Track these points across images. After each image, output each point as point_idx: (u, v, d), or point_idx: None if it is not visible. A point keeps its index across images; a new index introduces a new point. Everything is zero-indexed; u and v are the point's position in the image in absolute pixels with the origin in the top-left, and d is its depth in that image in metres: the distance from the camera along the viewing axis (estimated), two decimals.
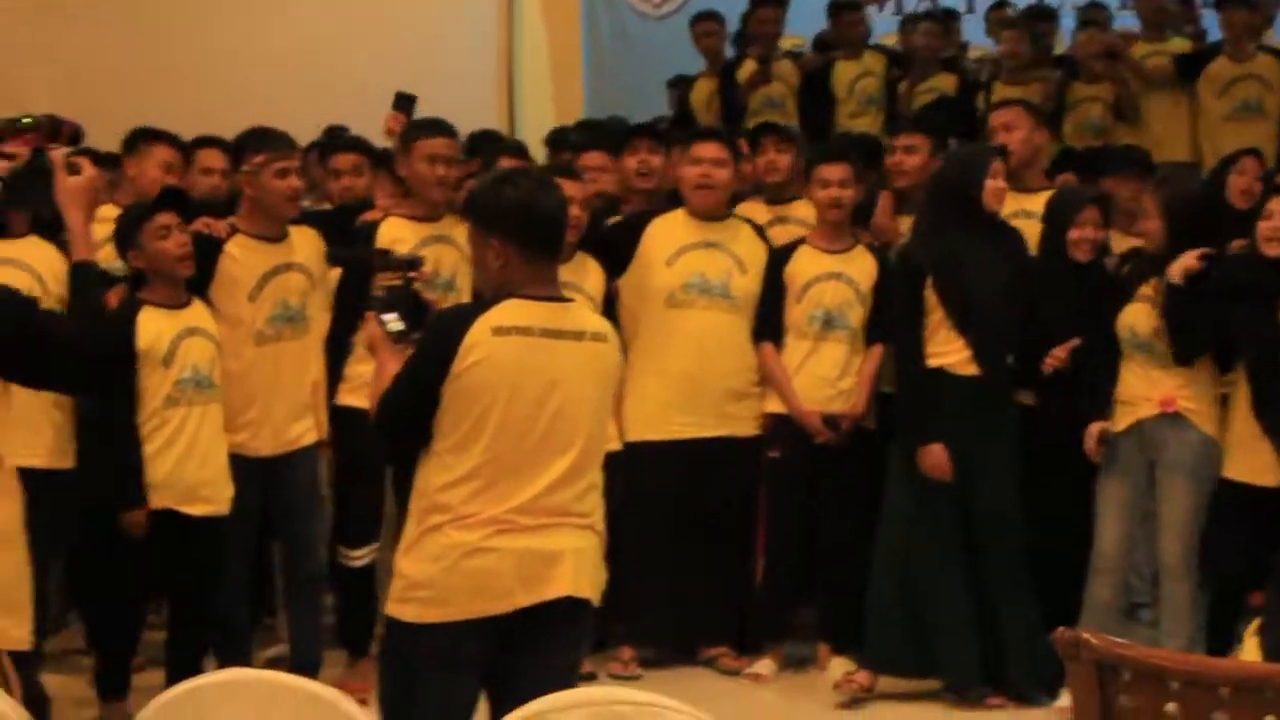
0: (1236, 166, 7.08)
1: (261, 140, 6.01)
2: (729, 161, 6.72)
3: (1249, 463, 5.91)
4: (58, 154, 3.81)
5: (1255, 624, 3.13)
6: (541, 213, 3.98)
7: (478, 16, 11.91)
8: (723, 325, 6.59)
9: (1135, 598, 6.87)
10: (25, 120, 3.81)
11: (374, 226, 6.16)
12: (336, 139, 7.76)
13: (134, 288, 5.80)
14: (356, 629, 6.42)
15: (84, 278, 3.87)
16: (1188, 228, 5.94)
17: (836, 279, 6.57)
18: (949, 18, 10.41)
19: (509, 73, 12.10)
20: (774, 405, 6.58)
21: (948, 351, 6.09)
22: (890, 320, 6.39)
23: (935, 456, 6.02)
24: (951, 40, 10.06)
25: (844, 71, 9.64)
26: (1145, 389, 6.00)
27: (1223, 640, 6.05)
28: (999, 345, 6.15)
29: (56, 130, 3.87)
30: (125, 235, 5.72)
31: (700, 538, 6.59)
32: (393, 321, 4.03)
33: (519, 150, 7.33)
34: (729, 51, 10.02)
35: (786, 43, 10.20)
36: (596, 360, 4.05)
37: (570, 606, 3.96)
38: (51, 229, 6.00)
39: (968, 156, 6.47)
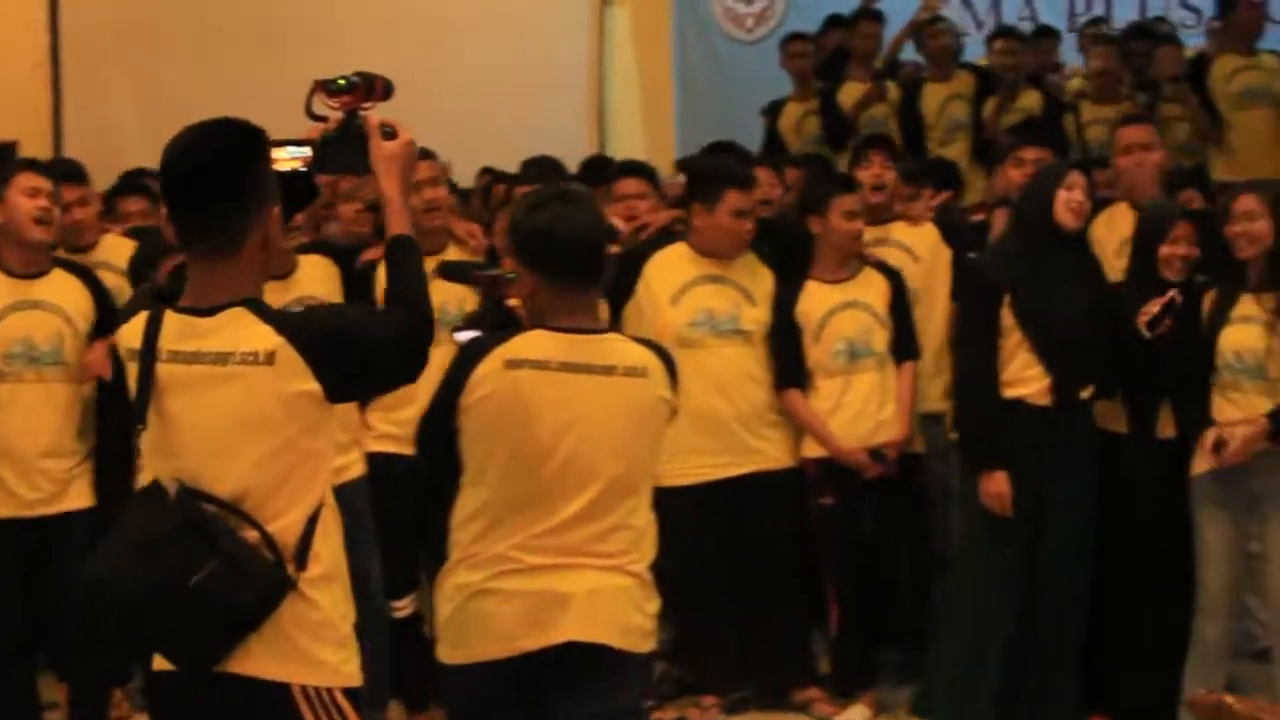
0: None
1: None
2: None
3: None
4: (373, 117, 3.53)
5: None
6: (562, 239, 3.75)
7: (568, 43, 11.82)
8: (739, 360, 6.32)
9: (1258, 643, 6.50)
10: (340, 81, 3.53)
11: (375, 265, 5.91)
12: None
13: None
14: (410, 679, 6.21)
15: (401, 251, 3.47)
16: None
17: (852, 307, 6.33)
18: (1046, 35, 10.17)
19: (600, 100, 11.97)
20: (813, 450, 6.33)
21: (1025, 379, 5.84)
22: (961, 339, 6.15)
23: (997, 485, 5.77)
24: (1048, 58, 9.82)
25: (933, 94, 9.42)
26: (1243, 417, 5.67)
27: None
28: (1080, 372, 5.85)
29: (371, 89, 3.57)
30: None
31: (754, 576, 6.37)
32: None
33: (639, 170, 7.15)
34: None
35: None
36: (628, 395, 3.85)
37: (593, 652, 3.79)
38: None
39: (1044, 170, 6.20)
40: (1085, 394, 5.86)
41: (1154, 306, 5.68)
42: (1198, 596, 5.82)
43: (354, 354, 3.29)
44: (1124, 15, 10.92)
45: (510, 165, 8.04)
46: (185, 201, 3.31)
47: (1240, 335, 5.69)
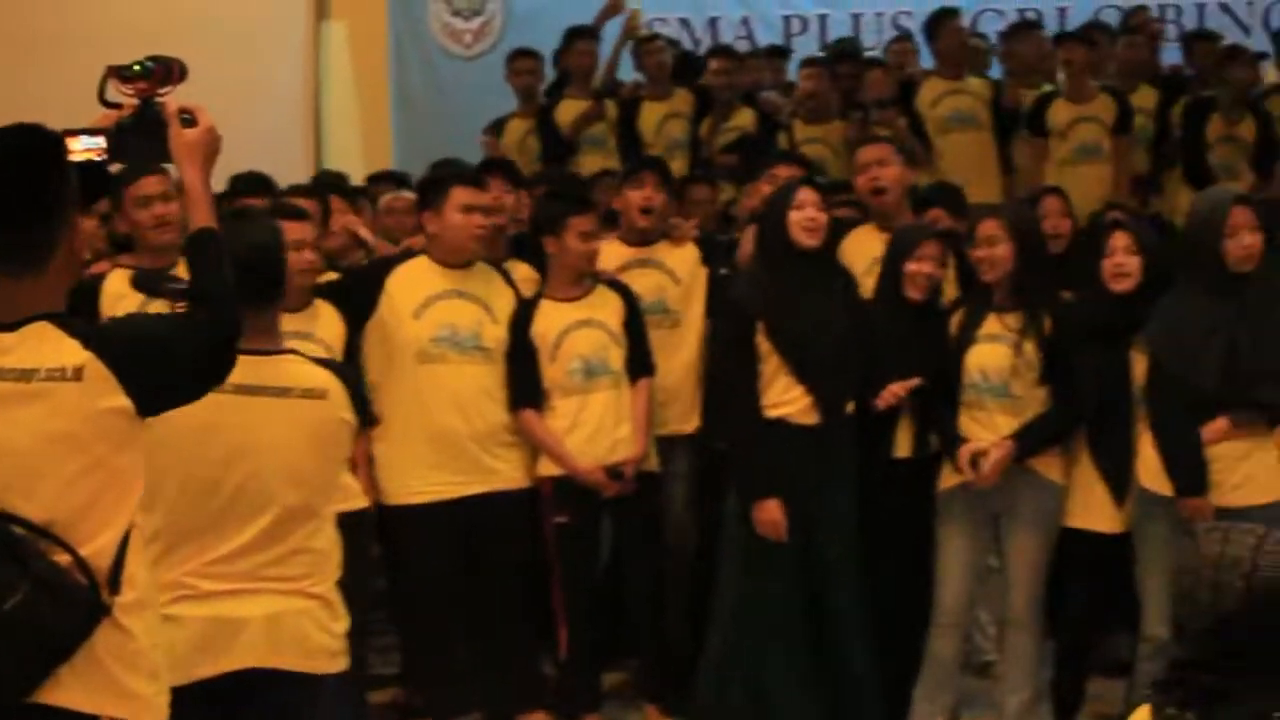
0: (1040, 207, 6.88)
1: None
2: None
3: (1088, 509, 5.76)
4: (171, 103, 3.39)
5: (1146, 710, 2.93)
6: (235, 259, 3.48)
7: (283, 58, 11.58)
8: (478, 378, 6.18)
9: (983, 656, 6.67)
10: (135, 67, 3.39)
11: (99, 280, 5.73)
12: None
13: None
14: None
15: (203, 245, 3.34)
16: (1035, 254, 5.80)
17: (587, 326, 6.25)
18: (777, 55, 10.32)
19: (315, 114, 11.76)
20: (549, 469, 6.23)
21: (786, 401, 5.84)
22: (721, 365, 6.12)
23: (770, 513, 5.78)
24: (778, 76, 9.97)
25: (651, 112, 9.40)
26: (992, 437, 5.76)
27: (1073, 694, 5.96)
28: (841, 389, 5.87)
29: (168, 74, 3.42)
30: None
31: (485, 598, 6.23)
32: None
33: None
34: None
35: None
36: (305, 418, 3.79)
37: (276, 678, 3.75)
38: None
39: (775, 192, 6.14)
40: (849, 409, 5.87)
41: (900, 389, 5.77)
42: (933, 613, 5.88)
43: (162, 364, 3.20)
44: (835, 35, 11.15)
45: (221, 180, 7.81)
46: None
47: (985, 354, 5.77)
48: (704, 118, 9.30)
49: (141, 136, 3.41)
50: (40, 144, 3.17)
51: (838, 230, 6.23)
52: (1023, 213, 6.10)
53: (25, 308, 3.14)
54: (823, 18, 11.47)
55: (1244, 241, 5.46)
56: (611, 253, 6.61)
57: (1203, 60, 9.46)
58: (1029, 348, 5.70)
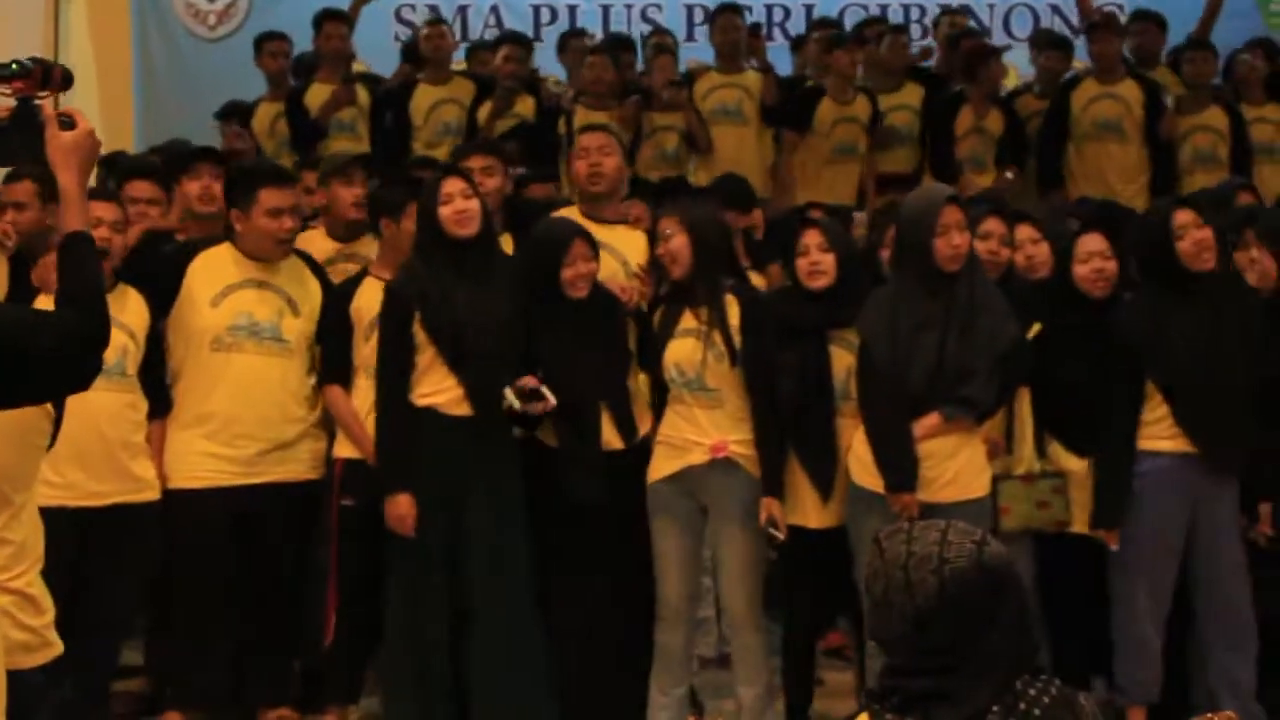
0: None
1: None
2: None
3: (798, 505, 5.81)
4: (49, 105, 3.32)
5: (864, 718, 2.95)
6: None
7: (22, 34, 11.17)
8: (273, 369, 6.13)
9: (726, 646, 6.60)
10: (13, 66, 3.31)
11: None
12: None
13: None
14: None
15: (74, 249, 3.28)
16: (711, 247, 5.85)
17: None
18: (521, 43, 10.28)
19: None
20: (345, 450, 6.16)
21: (440, 390, 5.82)
22: (378, 357, 6.00)
23: (401, 508, 5.77)
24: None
25: (424, 96, 9.34)
26: (694, 432, 5.80)
27: (803, 686, 6.00)
28: (495, 382, 5.81)
29: (48, 76, 3.36)
30: None
31: (256, 590, 6.14)
32: None
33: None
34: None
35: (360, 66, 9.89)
36: None
37: None
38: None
39: (426, 186, 6.06)
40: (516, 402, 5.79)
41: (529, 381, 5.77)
42: (658, 606, 5.88)
43: (13, 358, 3.11)
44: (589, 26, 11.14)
45: None
46: None
47: (679, 349, 5.81)
48: (480, 104, 9.22)
49: (17, 136, 3.36)
50: None
51: (533, 211, 6.38)
52: (698, 207, 6.12)
53: None
54: (572, 8, 11.41)
55: (953, 240, 5.56)
56: (316, 246, 6.58)
57: (953, 59, 9.66)
58: (717, 338, 5.75)
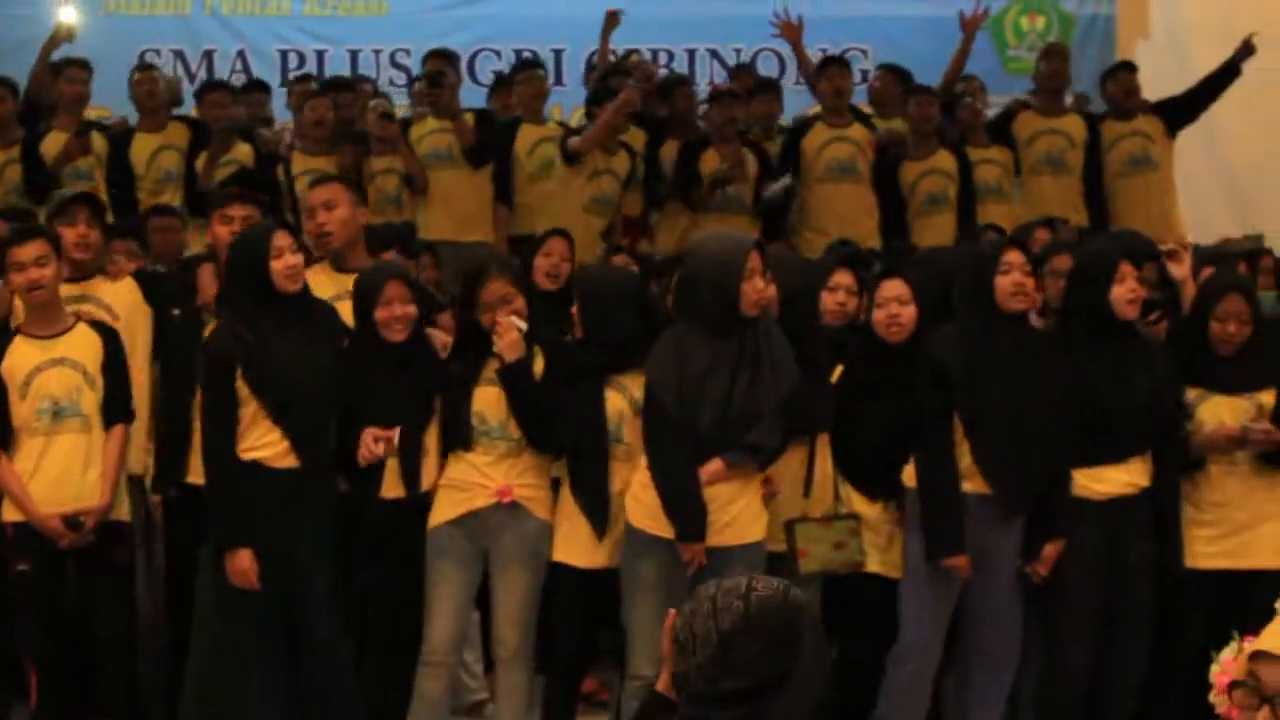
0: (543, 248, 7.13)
1: None
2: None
3: (571, 544, 5.86)
4: None
5: None
6: None
7: None
8: None
9: (471, 695, 6.69)
10: None
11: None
12: None
13: None
14: None
15: None
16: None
17: (60, 365, 6.06)
18: (259, 89, 10.25)
19: None
20: (11, 513, 6.04)
21: (265, 444, 5.78)
22: (203, 413, 5.93)
23: (243, 562, 5.70)
24: (259, 111, 9.90)
25: (144, 144, 9.24)
26: (480, 477, 5.84)
27: None
28: (318, 433, 5.84)
29: None
30: None
31: None
32: None
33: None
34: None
35: (93, 112, 9.76)
36: None
37: None
38: None
39: (252, 233, 6.02)
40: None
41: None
42: (423, 650, 5.87)
43: None
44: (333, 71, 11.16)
45: None
46: None
47: (484, 398, 5.85)
48: (199, 150, 9.15)
49: None
50: None
51: None
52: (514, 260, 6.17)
53: None
54: (320, 53, 11.46)
55: (758, 286, 5.58)
56: None
57: (684, 103, 9.76)
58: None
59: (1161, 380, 6.05)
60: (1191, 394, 6.13)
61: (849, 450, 6.03)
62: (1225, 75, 9.58)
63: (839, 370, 6.05)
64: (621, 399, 5.83)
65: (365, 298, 5.90)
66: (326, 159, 8.90)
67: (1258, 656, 3.02)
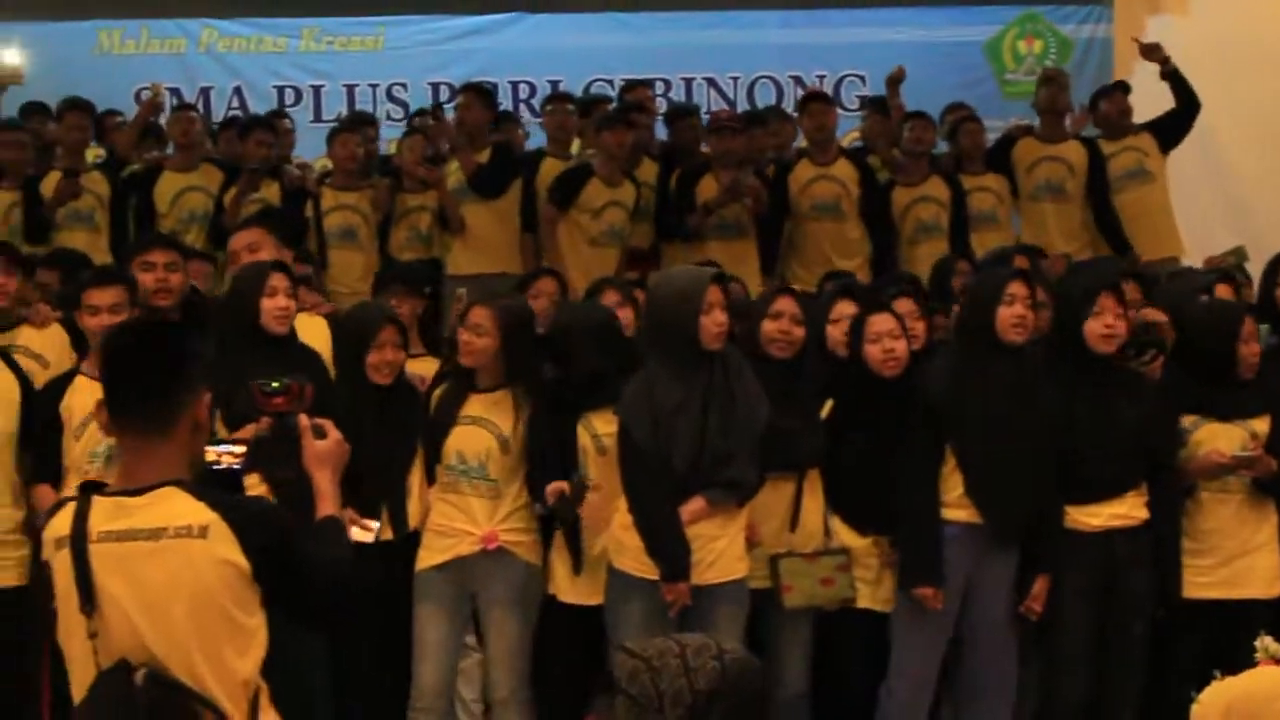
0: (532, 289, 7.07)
1: None
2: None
3: (564, 580, 5.87)
4: (304, 419, 3.77)
5: None
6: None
7: None
8: None
9: None
10: (274, 384, 3.86)
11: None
12: None
13: None
14: None
15: (331, 531, 3.62)
16: (519, 338, 5.88)
17: None
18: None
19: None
20: None
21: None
22: None
23: None
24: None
25: (169, 182, 9.14)
26: (466, 522, 5.81)
27: None
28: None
29: (303, 394, 3.88)
30: None
31: None
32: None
33: None
34: None
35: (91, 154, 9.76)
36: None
37: None
38: None
39: (252, 268, 6.02)
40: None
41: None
42: (412, 694, 5.85)
43: (281, 543, 3.37)
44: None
45: None
46: (120, 381, 3.41)
47: (464, 436, 5.83)
48: (228, 190, 9.07)
49: (276, 448, 3.83)
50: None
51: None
52: (513, 302, 6.16)
53: (151, 473, 3.35)
54: (317, 88, 11.48)
55: (718, 319, 5.55)
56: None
57: (685, 133, 9.72)
58: (519, 429, 5.82)
59: (1153, 410, 6.03)
60: (1187, 421, 6.09)
61: (839, 484, 5.99)
62: (1189, 108, 9.54)
63: (829, 405, 6.01)
64: (586, 435, 5.84)
65: (357, 338, 5.90)
66: (357, 194, 8.92)
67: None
